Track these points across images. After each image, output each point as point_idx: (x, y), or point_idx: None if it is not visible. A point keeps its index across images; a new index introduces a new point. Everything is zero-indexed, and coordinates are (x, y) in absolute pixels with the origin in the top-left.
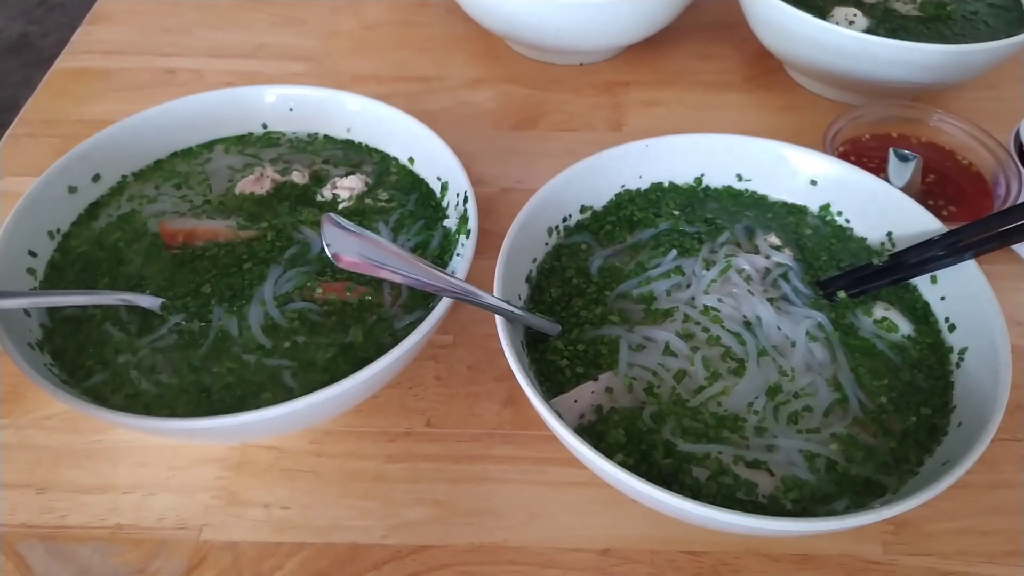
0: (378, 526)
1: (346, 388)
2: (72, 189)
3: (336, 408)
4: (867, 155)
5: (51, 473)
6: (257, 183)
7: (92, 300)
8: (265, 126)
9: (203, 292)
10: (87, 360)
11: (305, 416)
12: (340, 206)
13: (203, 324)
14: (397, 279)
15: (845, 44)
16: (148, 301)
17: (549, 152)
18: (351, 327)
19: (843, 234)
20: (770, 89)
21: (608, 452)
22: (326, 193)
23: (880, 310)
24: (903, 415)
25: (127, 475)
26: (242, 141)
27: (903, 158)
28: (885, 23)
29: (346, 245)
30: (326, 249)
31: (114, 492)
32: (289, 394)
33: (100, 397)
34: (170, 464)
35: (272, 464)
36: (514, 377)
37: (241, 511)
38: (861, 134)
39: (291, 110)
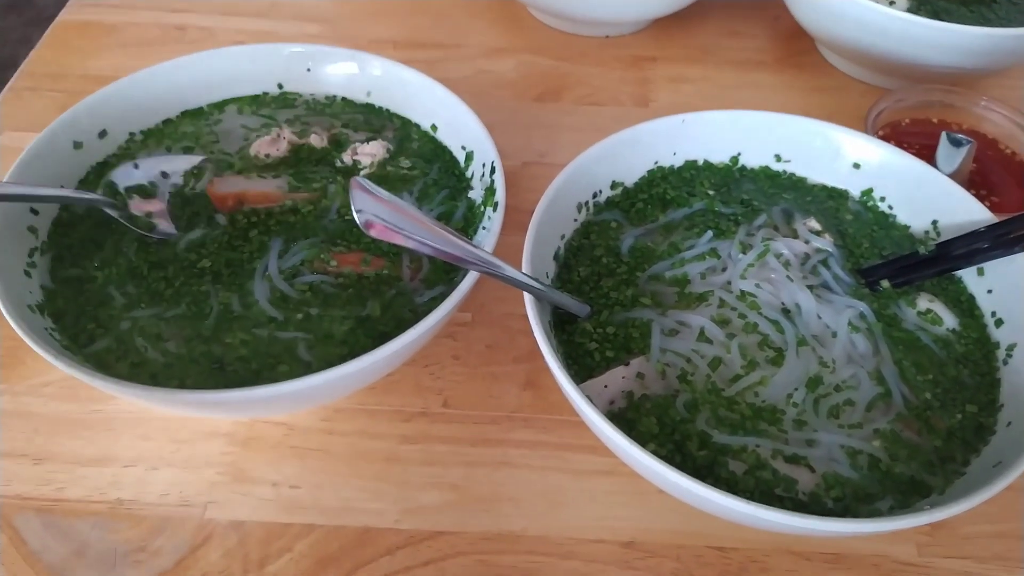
0: (391, 509)
1: (370, 362)
2: (77, 145)
3: (356, 383)
4: (907, 140)
5: (49, 443)
6: (273, 144)
7: (60, 193)
8: (281, 86)
9: (200, 266)
10: (88, 324)
11: (324, 391)
12: (361, 173)
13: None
14: (427, 251)
15: (888, 25)
16: (102, 202)
17: (573, 126)
18: (368, 300)
19: (885, 221)
20: (802, 69)
21: (640, 441)
22: (346, 159)
23: (924, 301)
24: (948, 412)
25: (128, 447)
26: (256, 101)
27: (956, 143)
28: (926, 5)
29: (376, 212)
30: (356, 216)
31: (115, 465)
32: (306, 368)
33: (103, 364)
34: (174, 437)
35: (281, 441)
36: (534, 359)
37: (248, 489)
38: (901, 118)
39: (308, 70)
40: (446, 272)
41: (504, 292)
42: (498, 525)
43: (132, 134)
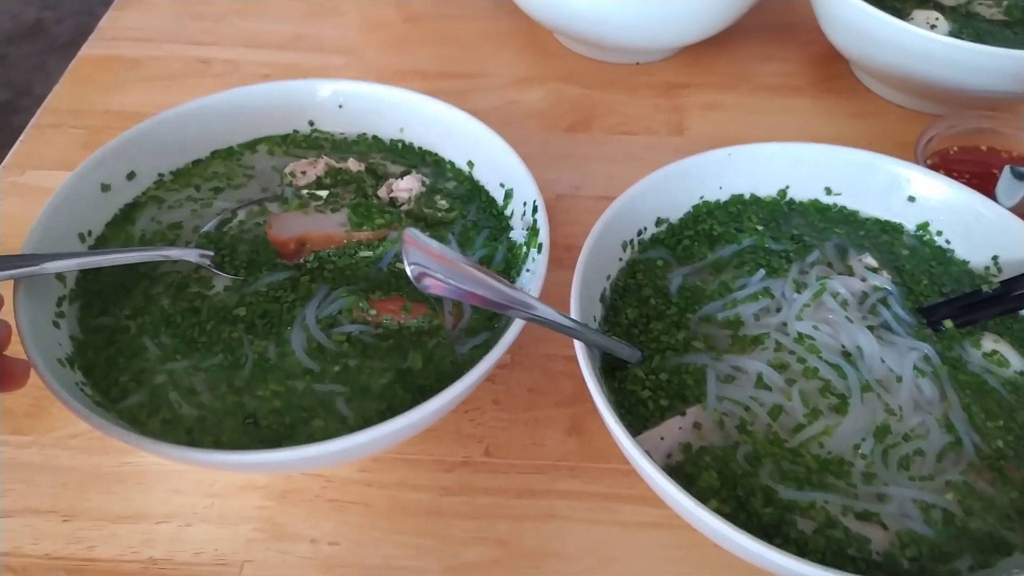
0: (435, 567)
1: (417, 418)
2: (105, 187)
3: (398, 439)
4: (956, 168)
5: (78, 498)
6: (311, 164)
7: (134, 257)
8: (312, 123)
9: (236, 314)
10: (120, 376)
11: (365, 448)
12: (402, 208)
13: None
14: (477, 302)
15: (932, 49)
16: (193, 255)
17: (607, 156)
18: (409, 352)
19: (943, 256)
20: (839, 94)
21: (701, 498)
22: (382, 195)
23: (989, 342)
24: (1022, 461)
25: (161, 502)
26: (287, 141)
27: (1020, 176)
28: (968, 27)
29: (429, 265)
30: (408, 270)
31: (147, 521)
32: (342, 422)
33: (136, 420)
34: (208, 491)
35: (318, 494)
36: (578, 403)
37: (286, 546)
38: (949, 146)
39: (340, 107)
40: (488, 319)
41: (544, 332)
42: None
43: (161, 175)
